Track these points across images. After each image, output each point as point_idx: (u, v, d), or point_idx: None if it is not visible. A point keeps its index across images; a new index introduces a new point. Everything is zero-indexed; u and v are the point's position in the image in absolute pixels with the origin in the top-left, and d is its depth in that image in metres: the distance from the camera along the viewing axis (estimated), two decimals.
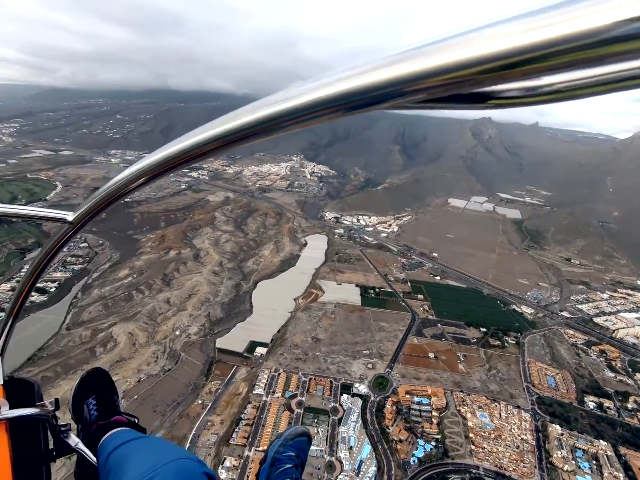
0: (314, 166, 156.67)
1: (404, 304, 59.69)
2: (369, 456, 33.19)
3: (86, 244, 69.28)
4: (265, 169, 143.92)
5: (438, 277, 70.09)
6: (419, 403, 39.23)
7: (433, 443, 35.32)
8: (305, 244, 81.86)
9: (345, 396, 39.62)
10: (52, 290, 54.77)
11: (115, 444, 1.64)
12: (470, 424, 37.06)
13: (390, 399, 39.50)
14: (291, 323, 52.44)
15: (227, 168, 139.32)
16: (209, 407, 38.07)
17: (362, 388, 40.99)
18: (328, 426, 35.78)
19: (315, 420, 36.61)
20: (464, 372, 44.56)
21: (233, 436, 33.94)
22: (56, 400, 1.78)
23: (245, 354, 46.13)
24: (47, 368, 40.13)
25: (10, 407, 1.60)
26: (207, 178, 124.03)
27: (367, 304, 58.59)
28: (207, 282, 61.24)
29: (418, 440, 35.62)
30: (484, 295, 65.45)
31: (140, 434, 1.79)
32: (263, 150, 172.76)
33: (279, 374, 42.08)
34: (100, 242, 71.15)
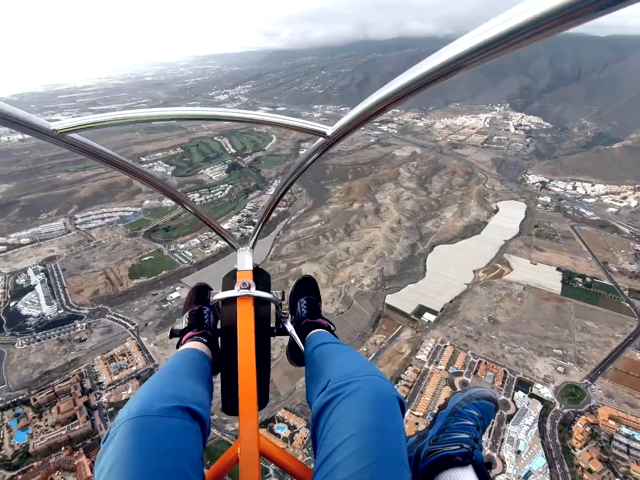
0: (522, 117, 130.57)
1: (628, 305, 45.39)
2: (541, 470, 28.48)
3: (289, 190, 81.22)
4: (459, 122, 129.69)
5: None
6: (629, 437, 30.22)
7: None
8: (496, 211, 71.43)
9: (520, 393, 34.50)
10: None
11: (320, 341, 1.96)
12: None
13: (584, 417, 31.94)
14: (466, 296, 48.24)
15: (417, 121, 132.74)
16: (372, 356, 40.35)
17: (545, 392, 34.60)
18: (494, 419, 32.28)
19: None
20: None
21: None
22: (283, 292, 2.24)
23: (412, 316, 45.82)
24: None
25: (256, 289, 2.10)
26: (396, 131, 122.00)
27: (570, 295, 47.42)
28: (384, 238, 62.44)
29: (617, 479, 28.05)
30: None
31: (340, 341, 2.02)
32: (460, 100, 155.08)
33: (446, 346, 40.12)
34: (299, 189, 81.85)
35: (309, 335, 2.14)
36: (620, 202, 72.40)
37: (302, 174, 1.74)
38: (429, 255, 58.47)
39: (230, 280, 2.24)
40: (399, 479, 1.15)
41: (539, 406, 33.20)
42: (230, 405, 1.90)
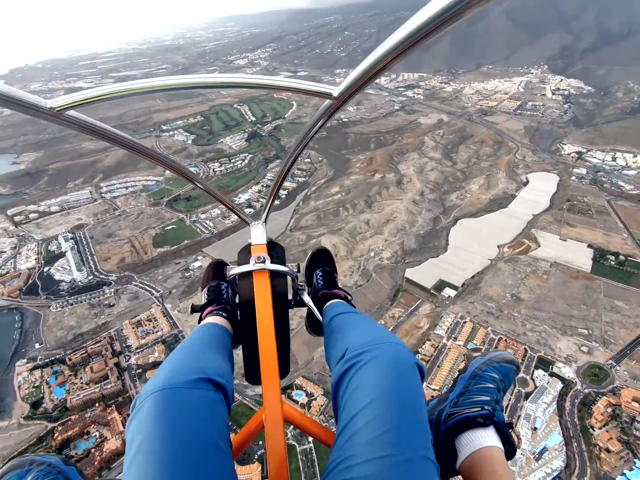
0: (561, 81, 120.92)
1: None
2: (557, 447, 28.53)
3: (309, 160, 79.69)
4: (491, 86, 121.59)
5: None
6: None
7: None
8: (526, 183, 67.99)
9: (541, 372, 34.06)
10: (283, 196, 67.11)
11: (337, 311, 2.01)
12: None
13: (606, 397, 31.36)
14: (489, 272, 47.06)
15: (445, 86, 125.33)
16: (390, 329, 40.46)
17: (567, 371, 34.02)
18: (511, 395, 32.25)
19: None
20: None
21: None
22: (298, 265, 2.27)
23: (432, 291, 45.33)
24: None
25: (271, 262, 2.12)
26: (422, 97, 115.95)
27: (600, 273, 45.41)
28: (406, 210, 60.95)
29: (636, 460, 27.78)
30: None
31: (357, 310, 2.06)
32: (492, 62, 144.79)
33: (465, 322, 39.70)
34: (320, 158, 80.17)
35: (326, 305, 2.20)
36: None
37: (310, 141, 1.61)
38: (452, 229, 56.89)
39: (245, 254, 2.26)
40: (420, 442, 1.15)
41: (559, 385, 32.79)
42: (253, 376, 1.98)
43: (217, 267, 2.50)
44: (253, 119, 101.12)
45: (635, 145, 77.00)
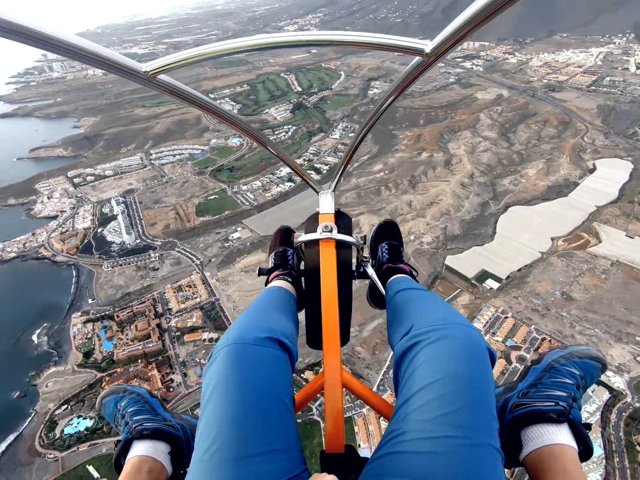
0: None
1: None
2: (595, 460, 26.75)
3: (353, 134, 76.97)
4: (563, 57, 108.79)
5: None
6: None
7: None
8: (593, 170, 61.25)
9: None
10: (324, 172, 65.90)
11: (403, 286, 1.96)
12: None
13: None
14: (538, 266, 43.71)
15: (509, 56, 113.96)
16: None
17: (616, 381, 31.31)
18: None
19: None
20: None
21: None
22: (364, 236, 2.28)
23: (472, 281, 43.09)
24: None
25: (337, 232, 2.15)
26: (481, 69, 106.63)
27: None
28: (452, 193, 57.61)
29: None
30: None
31: (423, 287, 1.97)
32: (568, 30, 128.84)
33: (506, 317, 37.51)
34: None
35: (390, 279, 2.15)
36: None
37: (394, 102, 1.52)
38: (501, 217, 53.09)
39: (312, 223, 2.27)
40: (487, 429, 1.10)
41: (606, 395, 30.35)
42: (314, 340, 2.03)
43: (285, 234, 2.53)
44: (299, 89, 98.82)
45: None
